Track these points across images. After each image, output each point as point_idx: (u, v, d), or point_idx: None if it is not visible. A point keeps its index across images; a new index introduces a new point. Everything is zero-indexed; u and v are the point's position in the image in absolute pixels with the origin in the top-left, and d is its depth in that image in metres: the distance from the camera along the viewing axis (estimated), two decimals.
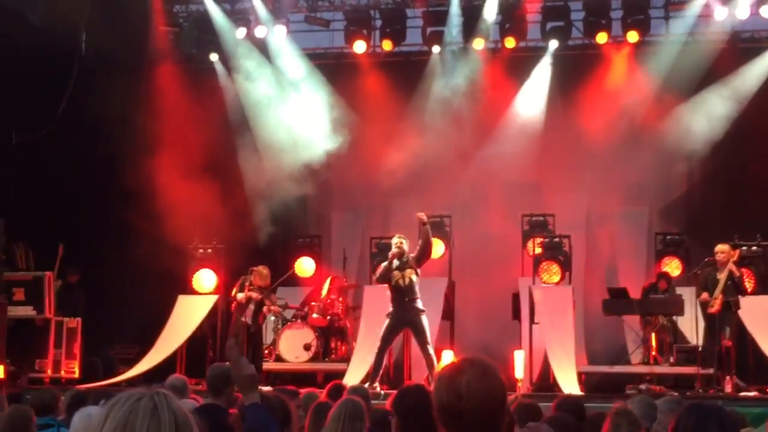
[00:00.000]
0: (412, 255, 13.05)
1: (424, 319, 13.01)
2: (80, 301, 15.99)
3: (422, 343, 12.95)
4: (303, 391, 7.85)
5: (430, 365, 12.86)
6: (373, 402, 7.50)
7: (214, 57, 18.17)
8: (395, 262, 12.97)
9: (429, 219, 15.93)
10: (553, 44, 17.72)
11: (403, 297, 12.92)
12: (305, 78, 18.24)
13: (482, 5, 17.59)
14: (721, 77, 16.77)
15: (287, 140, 17.62)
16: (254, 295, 14.02)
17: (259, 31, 17.92)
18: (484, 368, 3.01)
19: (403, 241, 13.19)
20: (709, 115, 16.53)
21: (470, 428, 2.99)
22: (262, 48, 18.15)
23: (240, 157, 17.68)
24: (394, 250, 13.10)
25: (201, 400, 7.24)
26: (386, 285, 13.13)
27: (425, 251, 13.16)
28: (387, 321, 13.07)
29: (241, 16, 18.01)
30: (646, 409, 6.75)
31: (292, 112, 17.88)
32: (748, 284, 13.96)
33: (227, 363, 6.91)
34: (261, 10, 17.73)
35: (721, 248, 13.27)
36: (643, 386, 13.36)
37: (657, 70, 17.13)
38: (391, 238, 15.64)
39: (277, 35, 18.07)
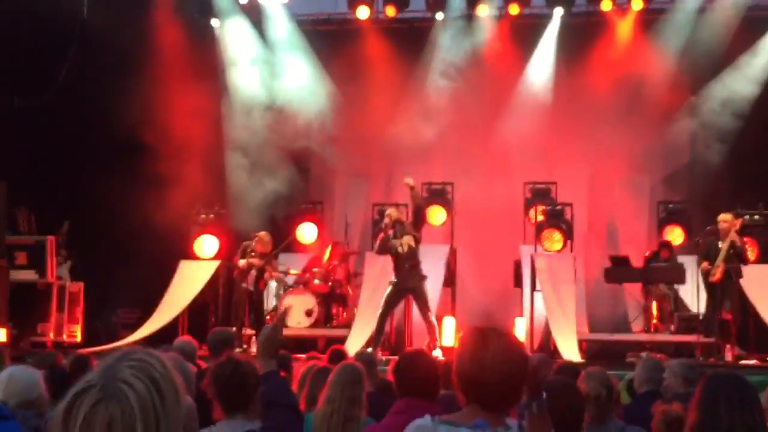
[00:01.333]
0: (408, 222, 13.20)
1: (426, 286, 13.20)
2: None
3: (423, 309, 13.14)
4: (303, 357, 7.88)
5: (431, 332, 13.07)
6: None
7: (215, 22, 18.05)
8: (391, 233, 13.14)
9: (432, 186, 16.05)
10: (558, 12, 17.61)
11: (403, 264, 13.13)
12: (302, 44, 18.18)
13: None
14: (728, 50, 16.63)
15: (287, 103, 17.59)
16: (255, 261, 14.05)
17: None
18: (509, 341, 3.04)
19: (392, 210, 13.47)
20: (716, 85, 16.48)
21: (491, 398, 3.00)
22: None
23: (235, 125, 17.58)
24: (385, 220, 13.36)
25: (204, 365, 7.25)
26: (388, 255, 13.30)
27: (418, 215, 13.40)
28: (389, 287, 13.27)
29: None
30: (650, 372, 6.77)
31: (292, 79, 17.80)
32: (751, 254, 13.97)
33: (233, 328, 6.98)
34: None
35: (724, 217, 13.25)
36: (643, 354, 13.37)
37: (664, 40, 17.02)
38: (393, 204, 15.76)
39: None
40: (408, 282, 13.20)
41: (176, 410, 1.97)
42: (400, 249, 13.06)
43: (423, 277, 13.24)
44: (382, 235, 13.38)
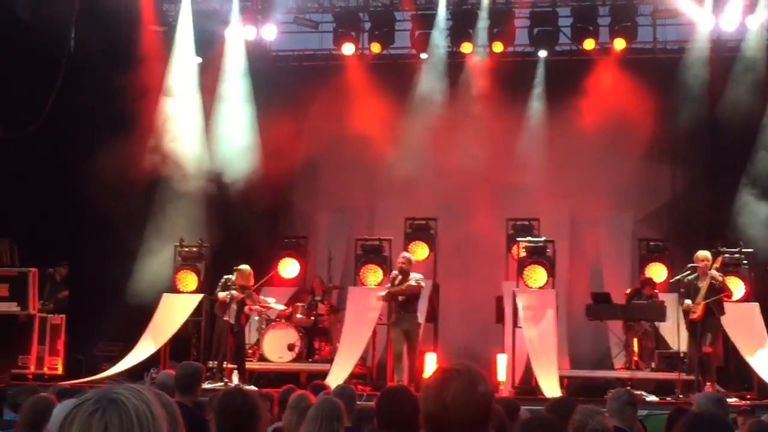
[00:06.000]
0: (412, 281, 13.75)
1: (420, 330, 14.10)
2: (65, 297, 15.99)
3: (410, 351, 13.69)
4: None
5: (406, 370, 13.37)
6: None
7: (197, 59, 17.97)
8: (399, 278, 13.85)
9: (415, 221, 16.20)
10: (542, 53, 17.81)
11: (400, 308, 13.83)
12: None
13: (471, 10, 17.68)
14: (705, 85, 16.80)
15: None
16: (235, 293, 14.08)
17: (247, 33, 17.90)
18: (471, 378, 3.05)
19: (410, 258, 14.11)
20: (689, 123, 16.62)
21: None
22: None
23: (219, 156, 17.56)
24: (397, 268, 14.06)
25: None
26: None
27: (412, 295, 13.94)
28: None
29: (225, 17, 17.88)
30: (620, 406, 6.79)
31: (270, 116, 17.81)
32: (738, 290, 14.16)
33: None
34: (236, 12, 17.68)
35: (702, 255, 13.34)
36: (612, 391, 13.40)
37: (646, 79, 17.19)
38: (375, 239, 15.88)
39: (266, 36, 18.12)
40: (403, 323, 13.74)
41: (163, 430, 2.04)
42: (400, 297, 13.76)
43: (418, 324, 14.00)
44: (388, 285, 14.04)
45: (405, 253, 14.36)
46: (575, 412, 5.45)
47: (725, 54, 17.08)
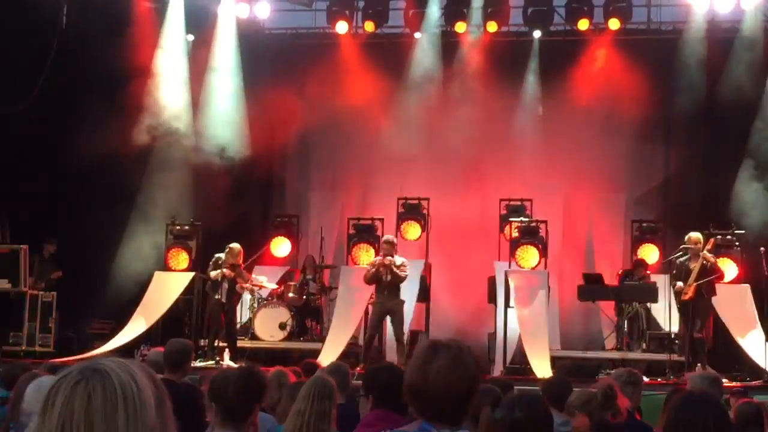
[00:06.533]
0: (395, 267, 13.69)
1: (403, 309, 13.94)
2: (58, 277, 15.97)
3: (397, 329, 13.78)
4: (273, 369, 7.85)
5: (399, 351, 13.64)
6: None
7: (190, 37, 17.89)
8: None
9: (407, 201, 16.19)
10: (537, 33, 17.74)
11: (383, 289, 13.79)
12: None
13: None
14: (700, 67, 16.74)
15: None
16: (226, 272, 14.06)
17: (240, 10, 17.83)
18: (458, 354, 3.04)
19: (394, 242, 14.07)
20: (683, 104, 16.59)
21: (433, 410, 3.02)
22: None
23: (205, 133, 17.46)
24: (381, 255, 14.01)
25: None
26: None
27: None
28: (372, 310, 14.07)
29: None
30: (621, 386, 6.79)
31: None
32: (731, 272, 14.20)
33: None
34: None
35: (694, 237, 13.35)
36: (612, 371, 13.44)
37: (639, 60, 17.14)
38: (368, 219, 15.86)
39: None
40: (387, 303, 13.70)
41: (150, 406, 2.00)
42: (384, 278, 13.69)
43: (401, 301, 13.85)
44: (372, 269, 13.90)
45: (388, 237, 14.35)
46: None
47: (720, 35, 17.02)
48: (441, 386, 2.97)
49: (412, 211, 16.42)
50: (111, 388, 1.95)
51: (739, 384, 12.11)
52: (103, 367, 1.99)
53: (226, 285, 14.12)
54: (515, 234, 15.41)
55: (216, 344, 14.28)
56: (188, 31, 17.63)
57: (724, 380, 12.66)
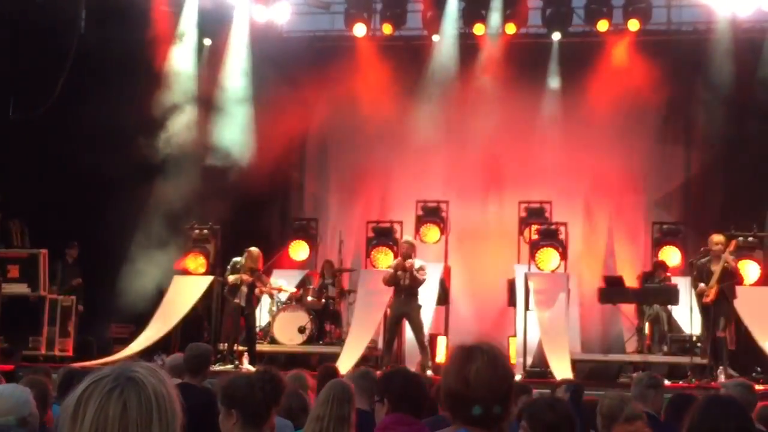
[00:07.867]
0: (415, 271, 13.52)
1: (420, 313, 13.80)
2: (78, 285, 16.01)
3: (417, 333, 13.66)
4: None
5: (422, 352, 13.59)
6: None
7: (207, 41, 17.92)
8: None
9: (426, 204, 16.14)
10: (556, 35, 17.65)
11: (401, 293, 13.63)
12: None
13: None
14: (721, 68, 16.61)
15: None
16: (245, 276, 14.03)
17: (258, 13, 17.82)
18: (494, 356, 3.02)
19: (413, 242, 13.98)
20: (704, 106, 16.47)
21: (476, 415, 2.97)
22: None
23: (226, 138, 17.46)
24: (400, 255, 13.95)
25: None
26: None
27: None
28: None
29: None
30: (642, 390, 6.73)
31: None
32: (751, 274, 14.05)
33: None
34: None
35: (716, 239, 13.24)
36: (634, 375, 13.35)
37: (658, 61, 17.02)
38: (387, 222, 15.82)
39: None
40: (402, 308, 13.63)
41: (179, 415, 2.02)
42: (402, 281, 13.56)
43: (418, 306, 13.72)
44: (391, 271, 13.76)
45: (407, 238, 14.28)
46: (604, 398, 5.39)
47: (741, 35, 16.89)
48: (483, 388, 2.94)
49: (431, 214, 16.38)
50: (146, 397, 1.96)
51: (763, 387, 11.99)
52: (138, 375, 1.99)
53: (245, 289, 14.10)
54: (535, 236, 15.35)
55: (235, 348, 14.26)
56: (205, 35, 17.65)
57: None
